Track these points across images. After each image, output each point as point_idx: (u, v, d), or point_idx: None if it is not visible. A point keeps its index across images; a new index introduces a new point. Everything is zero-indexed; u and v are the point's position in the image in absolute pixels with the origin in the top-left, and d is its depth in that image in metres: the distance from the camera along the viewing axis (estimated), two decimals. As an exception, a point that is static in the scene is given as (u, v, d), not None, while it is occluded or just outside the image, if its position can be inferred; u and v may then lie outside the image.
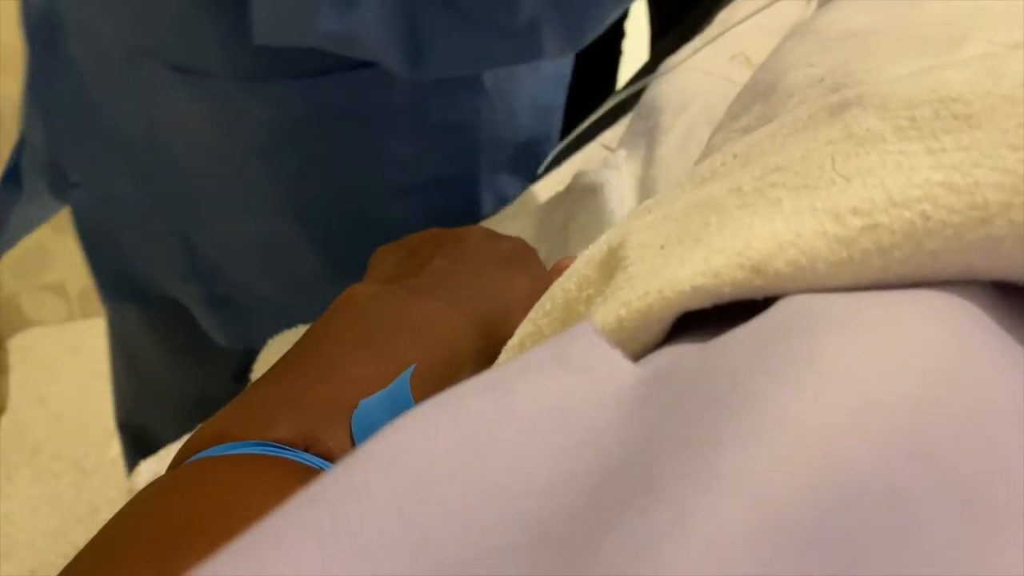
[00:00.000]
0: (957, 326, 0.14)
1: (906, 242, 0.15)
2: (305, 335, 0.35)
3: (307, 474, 0.27)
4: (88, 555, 0.23)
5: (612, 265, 0.21)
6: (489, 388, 0.14)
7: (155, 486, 0.26)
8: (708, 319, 0.18)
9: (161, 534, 0.23)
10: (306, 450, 0.29)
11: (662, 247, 0.19)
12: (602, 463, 0.12)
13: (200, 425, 0.30)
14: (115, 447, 0.84)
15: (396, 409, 0.30)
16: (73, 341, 1.60)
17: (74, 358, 1.57)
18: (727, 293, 0.16)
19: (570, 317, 0.22)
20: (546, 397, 0.14)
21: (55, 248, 1.58)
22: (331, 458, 0.29)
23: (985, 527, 0.11)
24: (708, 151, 0.35)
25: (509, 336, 0.38)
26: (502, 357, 0.24)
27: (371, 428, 0.30)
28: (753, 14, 0.74)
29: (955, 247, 0.15)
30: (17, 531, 1.32)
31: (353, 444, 0.29)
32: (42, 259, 1.62)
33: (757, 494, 0.10)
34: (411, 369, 0.31)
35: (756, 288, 0.16)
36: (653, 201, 0.26)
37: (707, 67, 0.60)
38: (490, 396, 0.14)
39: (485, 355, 0.37)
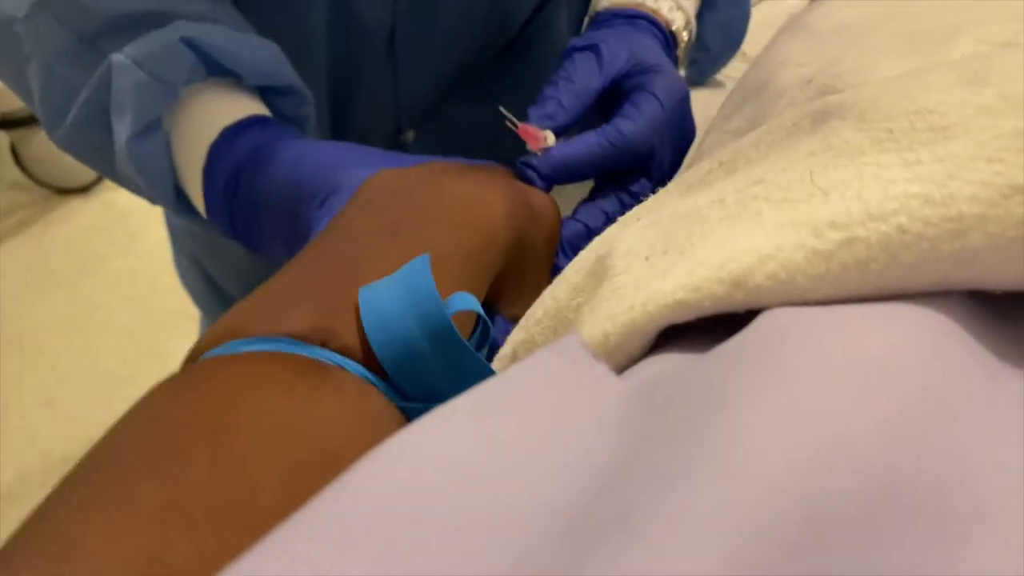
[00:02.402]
0: (932, 342, 0.15)
1: (883, 255, 0.16)
2: (330, 223, 0.33)
3: (320, 371, 0.25)
4: (84, 468, 0.22)
5: (600, 273, 0.22)
6: (474, 414, 0.14)
7: (161, 389, 0.24)
8: (696, 324, 0.18)
9: (165, 439, 0.21)
10: (323, 345, 0.26)
11: (647, 258, 0.19)
12: (584, 488, 0.12)
13: (217, 320, 0.28)
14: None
15: (416, 302, 0.27)
16: (82, 343, 1.61)
17: (83, 359, 1.58)
18: (708, 307, 0.16)
19: (561, 325, 0.23)
20: (531, 422, 0.14)
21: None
22: (349, 353, 0.27)
23: (952, 548, 0.11)
24: (700, 153, 0.35)
25: (536, 234, 0.37)
26: (495, 365, 0.24)
27: (387, 321, 0.27)
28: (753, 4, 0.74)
29: (931, 259, 0.16)
30: (30, 532, 1.33)
31: (363, 335, 0.27)
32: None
33: (728, 531, 0.10)
34: (425, 257, 0.28)
35: (737, 302, 0.16)
36: (642, 207, 0.26)
37: (703, 61, 0.60)
38: (474, 424, 0.14)
39: (514, 250, 0.35)
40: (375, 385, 0.26)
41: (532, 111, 0.41)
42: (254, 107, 0.44)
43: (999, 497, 0.12)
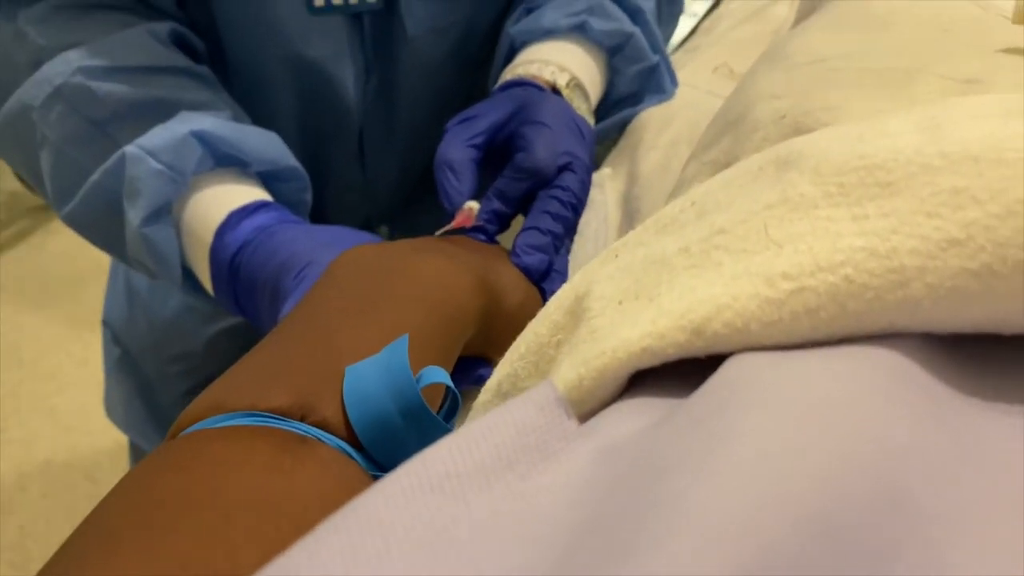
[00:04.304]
0: (881, 383, 0.16)
1: (831, 304, 0.17)
2: (305, 298, 0.34)
3: (301, 445, 0.26)
4: (80, 535, 0.23)
5: (579, 313, 0.23)
6: (442, 486, 0.15)
7: (148, 462, 0.25)
8: (666, 365, 0.19)
9: (151, 512, 0.22)
10: (301, 419, 0.28)
11: (620, 303, 0.20)
12: (549, 556, 0.13)
13: (199, 395, 0.30)
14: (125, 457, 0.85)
15: (392, 380, 0.29)
16: (82, 352, 1.62)
17: (83, 369, 1.59)
18: (672, 354, 0.18)
19: (542, 360, 0.24)
20: (500, 490, 0.15)
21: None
22: (327, 427, 0.28)
23: None
24: (681, 182, 0.37)
25: (505, 304, 0.39)
26: (482, 397, 0.26)
27: (365, 397, 0.29)
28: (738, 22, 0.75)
29: (876, 307, 0.17)
30: (32, 543, 1.34)
31: (345, 414, 0.29)
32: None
33: None
34: (405, 338, 0.30)
35: (697, 349, 0.17)
36: (621, 243, 0.27)
37: (690, 80, 0.62)
38: (445, 499, 0.15)
39: (485, 318, 0.37)
40: (352, 457, 0.28)
41: (442, 198, 0.44)
42: (257, 193, 0.47)
43: (954, 543, 0.13)
